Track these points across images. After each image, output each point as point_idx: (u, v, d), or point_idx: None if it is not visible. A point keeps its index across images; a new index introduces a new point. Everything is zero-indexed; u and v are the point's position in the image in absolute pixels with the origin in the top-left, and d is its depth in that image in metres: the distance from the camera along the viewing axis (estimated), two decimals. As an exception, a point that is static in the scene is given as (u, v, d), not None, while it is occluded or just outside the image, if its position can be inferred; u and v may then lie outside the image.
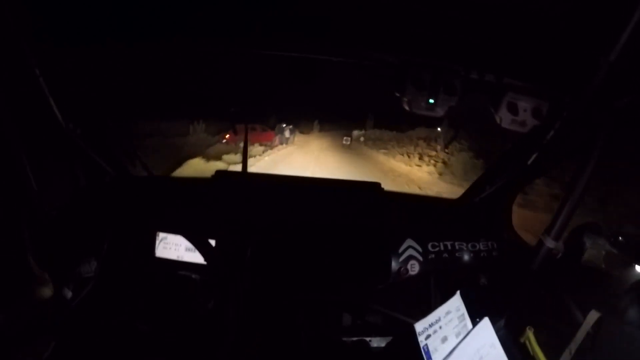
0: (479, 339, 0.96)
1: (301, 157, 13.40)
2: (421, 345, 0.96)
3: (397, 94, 1.04)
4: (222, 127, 12.91)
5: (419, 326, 1.00)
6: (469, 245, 1.40)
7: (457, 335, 0.97)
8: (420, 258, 1.36)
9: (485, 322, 0.94)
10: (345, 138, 17.52)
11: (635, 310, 0.93)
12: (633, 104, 0.89)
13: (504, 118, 1.05)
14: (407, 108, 1.05)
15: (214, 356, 1.23)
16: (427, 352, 0.95)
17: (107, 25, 0.93)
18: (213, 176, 1.61)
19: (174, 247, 1.36)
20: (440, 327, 0.98)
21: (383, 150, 16.91)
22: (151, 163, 1.64)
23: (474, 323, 0.99)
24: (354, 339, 1.40)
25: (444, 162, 12.56)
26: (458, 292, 1.03)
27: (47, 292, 0.90)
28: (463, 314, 0.98)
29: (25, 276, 0.88)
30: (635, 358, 0.91)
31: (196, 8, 0.88)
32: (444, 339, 0.96)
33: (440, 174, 11.43)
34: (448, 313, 1.00)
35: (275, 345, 1.34)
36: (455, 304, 1.01)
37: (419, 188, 9.06)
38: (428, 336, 0.97)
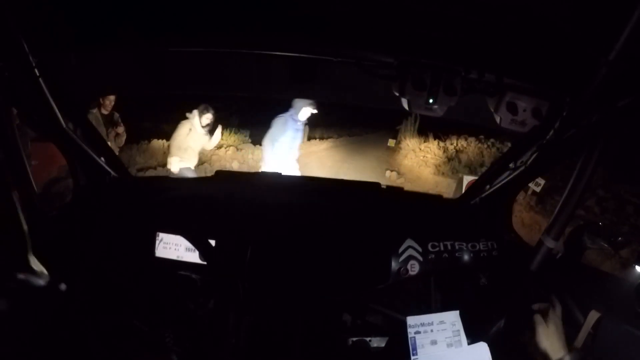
0: (472, 358, 1.00)
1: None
2: (409, 336, 1.02)
3: (397, 94, 1.04)
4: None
5: (410, 320, 1.06)
6: (469, 245, 1.40)
7: (449, 345, 1.01)
8: (420, 258, 1.36)
9: (483, 346, 0.99)
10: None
11: (635, 310, 0.93)
12: (633, 104, 0.89)
13: (503, 118, 1.04)
14: (406, 108, 1.05)
15: (215, 356, 1.23)
16: (414, 345, 1.01)
17: (107, 25, 0.93)
18: (213, 176, 1.61)
19: (174, 247, 1.36)
20: (432, 331, 1.04)
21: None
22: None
23: (470, 342, 1.04)
24: (354, 338, 1.40)
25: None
26: (457, 311, 1.08)
27: (45, 291, 0.90)
28: (459, 330, 1.03)
29: (24, 274, 0.88)
30: (635, 358, 0.91)
31: (196, 7, 0.88)
32: (434, 342, 1.02)
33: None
34: (442, 322, 1.05)
35: (276, 344, 1.34)
36: (451, 319, 1.06)
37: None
38: (418, 332, 1.03)
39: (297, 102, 3.97)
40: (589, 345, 0.98)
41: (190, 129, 4.33)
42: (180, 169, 4.40)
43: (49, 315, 0.93)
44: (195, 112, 4.30)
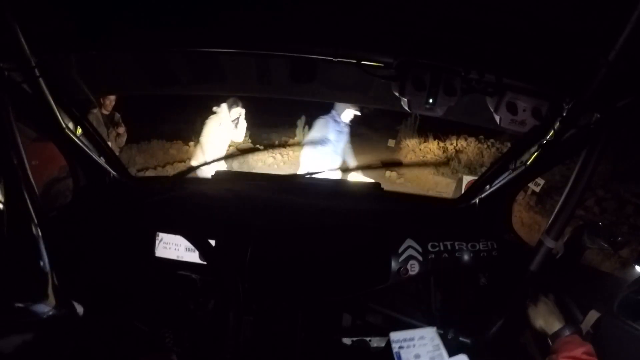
0: None
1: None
2: (394, 350, 1.06)
3: (397, 94, 1.04)
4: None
5: (393, 335, 1.09)
6: (469, 245, 1.40)
7: (432, 359, 1.04)
8: (420, 258, 1.36)
9: (463, 358, 1.01)
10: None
11: (634, 310, 0.93)
12: (633, 104, 0.89)
13: (503, 118, 1.04)
14: (406, 108, 1.05)
15: (215, 356, 1.23)
16: (399, 359, 1.05)
17: (107, 25, 0.93)
18: (213, 176, 1.61)
19: (173, 247, 1.36)
20: (414, 345, 1.07)
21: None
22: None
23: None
24: (354, 339, 1.40)
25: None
26: (434, 328, 1.11)
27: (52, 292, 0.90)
28: (438, 345, 1.06)
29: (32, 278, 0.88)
30: (635, 357, 0.91)
31: (196, 8, 0.88)
32: (417, 356, 1.05)
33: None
34: (422, 338, 1.09)
35: (276, 345, 1.34)
36: (430, 335, 1.09)
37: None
38: (401, 347, 1.06)
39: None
40: (589, 345, 0.98)
41: (220, 124, 4.23)
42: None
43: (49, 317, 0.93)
44: (224, 105, 4.19)
